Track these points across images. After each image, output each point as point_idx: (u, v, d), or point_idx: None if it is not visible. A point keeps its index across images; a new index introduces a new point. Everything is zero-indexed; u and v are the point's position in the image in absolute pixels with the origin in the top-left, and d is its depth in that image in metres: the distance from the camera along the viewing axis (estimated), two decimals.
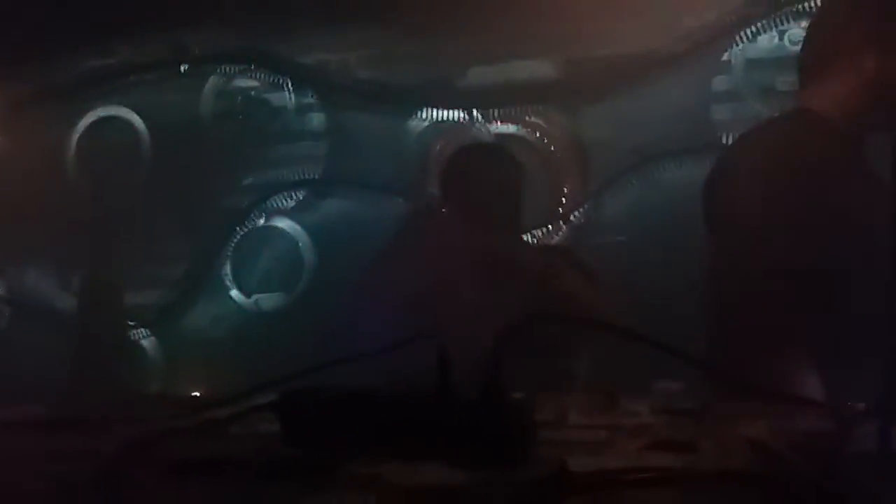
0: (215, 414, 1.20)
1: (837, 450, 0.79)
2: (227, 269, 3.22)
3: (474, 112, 2.97)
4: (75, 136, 3.37)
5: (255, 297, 3.22)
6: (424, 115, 3.03)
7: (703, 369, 1.03)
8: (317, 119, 3.21)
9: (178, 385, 3.14)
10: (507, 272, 1.93)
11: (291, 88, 3.16)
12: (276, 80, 3.16)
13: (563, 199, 2.89)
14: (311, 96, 3.16)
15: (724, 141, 2.71)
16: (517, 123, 2.95)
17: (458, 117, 3.00)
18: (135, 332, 3.20)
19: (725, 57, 2.77)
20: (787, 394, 1.04)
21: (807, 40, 1.47)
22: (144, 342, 3.24)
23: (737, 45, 2.73)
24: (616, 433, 0.94)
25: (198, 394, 2.87)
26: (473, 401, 0.92)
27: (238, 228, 3.19)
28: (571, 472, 0.77)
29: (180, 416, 1.25)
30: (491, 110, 2.95)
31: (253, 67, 3.17)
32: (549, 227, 2.86)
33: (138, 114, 3.32)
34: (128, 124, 3.33)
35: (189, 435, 1.14)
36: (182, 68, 3.22)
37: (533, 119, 2.93)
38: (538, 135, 2.93)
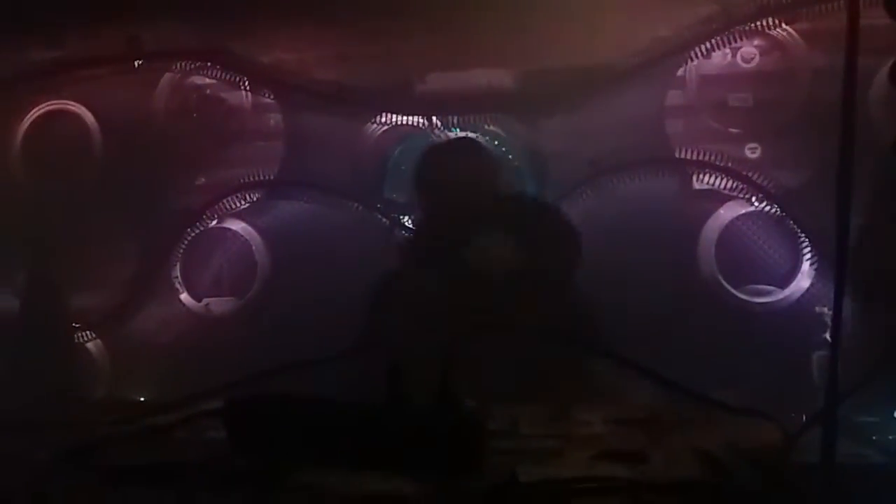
0: (160, 419, 1.18)
1: (782, 460, 0.80)
2: (178, 271, 3.14)
3: (433, 118, 2.96)
4: (22, 130, 3.26)
5: (205, 300, 3.15)
6: (383, 119, 3.00)
7: (656, 381, 1.04)
8: (273, 119, 3.15)
9: (124, 390, 3.05)
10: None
11: (248, 87, 3.10)
12: (232, 79, 3.10)
13: None
14: (268, 96, 3.11)
15: (677, 154, 2.76)
16: (475, 131, 2.95)
17: (417, 122, 2.98)
18: (80, 334, 3.09)
19: (680, 72, 2.82)
20: (737, 406, 1.06)
21: None
22: (90, 345, 3.14)
23: (691, 60, 2.78)
24: (567, 443, 0.94)
25: (143, 399, 2.80)
26: (424, 409, 0.91)
27: (190, 229, 3.11)
28: (521, 481, 0.77)
29: (123, 421, 1.22)
30: (449, 116, 2.94)
31: (209, 65, 3.10)
32: None
33: (89, 109, 3.21)
34: (78, 119, 3.23)
35: (132, 440, 1.11)
36: (136, 63, 3.14)
37: (491, 127, 2.93)
38: (496, 143, 2.94)
